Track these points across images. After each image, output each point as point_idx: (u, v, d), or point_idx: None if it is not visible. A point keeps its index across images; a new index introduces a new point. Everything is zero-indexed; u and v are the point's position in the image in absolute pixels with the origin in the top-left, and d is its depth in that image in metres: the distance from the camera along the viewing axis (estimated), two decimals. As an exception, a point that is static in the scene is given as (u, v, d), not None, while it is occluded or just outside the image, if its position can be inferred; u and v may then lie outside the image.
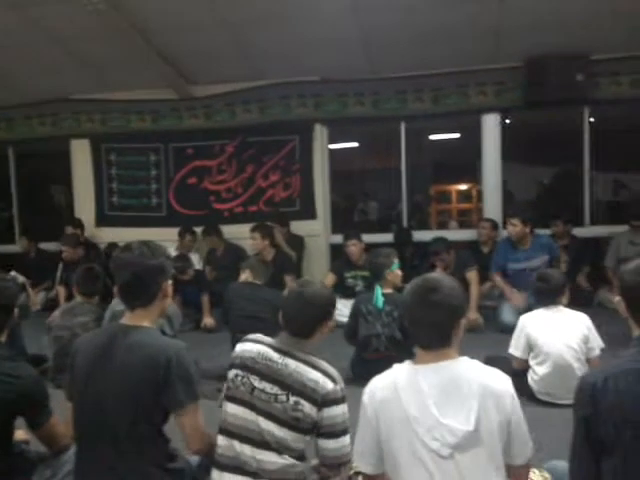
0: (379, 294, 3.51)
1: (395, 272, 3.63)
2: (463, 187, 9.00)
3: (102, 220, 6.63)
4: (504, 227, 5.90)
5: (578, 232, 5.80)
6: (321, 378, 1.86)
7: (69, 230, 6.25)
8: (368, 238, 5.89)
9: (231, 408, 1.90)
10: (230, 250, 5.96)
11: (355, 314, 3.57)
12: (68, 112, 6.64)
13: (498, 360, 3.38)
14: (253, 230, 5.51)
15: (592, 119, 5.92)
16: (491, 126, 5.98)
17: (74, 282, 3.87)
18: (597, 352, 3.05)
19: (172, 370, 1.78)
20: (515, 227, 4.78)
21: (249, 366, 1.91)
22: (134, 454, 1.78)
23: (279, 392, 1.85)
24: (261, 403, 1.86)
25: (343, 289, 5.19)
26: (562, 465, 1.83)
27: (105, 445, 1.79)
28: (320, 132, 6.20)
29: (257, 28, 5.10)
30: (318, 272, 5.88)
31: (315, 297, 1.97)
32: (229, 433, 1.89)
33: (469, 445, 1.54)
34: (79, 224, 6.38)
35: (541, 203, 7.73)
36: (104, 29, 5.00)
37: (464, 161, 6.53)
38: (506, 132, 6.05)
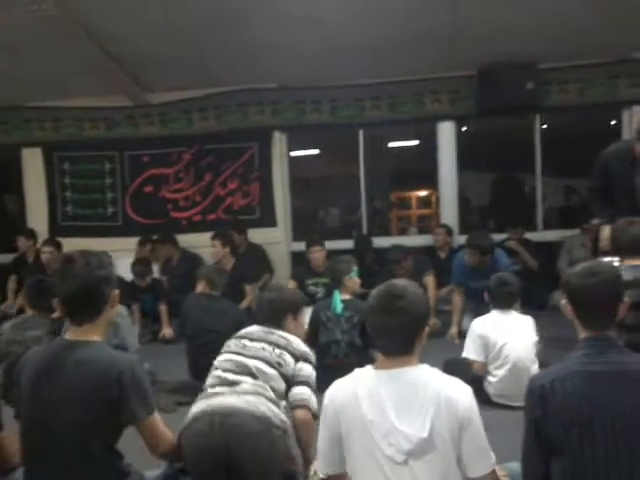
0: (338, 300, 3.53)
1: (354, 279, 3.66)
2: (423, 193, 9.14)
3: (56, 230, 6.44)
4: (461, 234, 6.03)
5: (531, 236, 5.96)
6: (297, 341, 2.36)
7: (22, 241, 6.05)
8: (329, 245, 5.90)
9: (222, 357, 2.28)
10: (186, 259, 5.89)
11: (314, 321, 3.57)
12: (19, 120, 6.45)
13: (457, 363, 3.43)
14: (214, 238, 5.49)
15: (545, 126, 6.11)
16: (447, 133, 6.10)
17: (23, 294, 3.73)
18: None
19: (125, 385, 1.74)
20: (473, 257, 4.62)
21: (241, 336, 2.37)
22: (85, 471, 1.73)
23: (266, 346, 2.27)
24: (250, 352, 2.25)
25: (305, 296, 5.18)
26: (516, 466, 1.86)
27: (55, 463, 1.74)
28: (279, 139, 6.20)
29: (213, 34, 5.07)
30: (279, 279, 5.85)
31: (284, 292, 2.57)
32: (217, 369, 2.23)
33: (423, 452, 1.56)
34: (32, 234, 6.19)
35: (495, 209, 7.92)
36: (55, 35, 4.88)
37: (423, 168, 6.65)
38: (462, 139, 6.17)
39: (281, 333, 2.36)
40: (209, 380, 2.23)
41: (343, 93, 5.99)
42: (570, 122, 6.45)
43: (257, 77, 5.85)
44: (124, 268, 5.21)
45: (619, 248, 3.14)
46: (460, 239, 5.87)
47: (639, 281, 3.04)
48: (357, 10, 4.67)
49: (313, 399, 2.24)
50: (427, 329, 1.72)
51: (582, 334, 1.72)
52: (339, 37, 5.08)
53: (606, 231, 3.51)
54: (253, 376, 2.16)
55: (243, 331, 2.42)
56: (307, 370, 2.29)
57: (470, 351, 3.29)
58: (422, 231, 8.36)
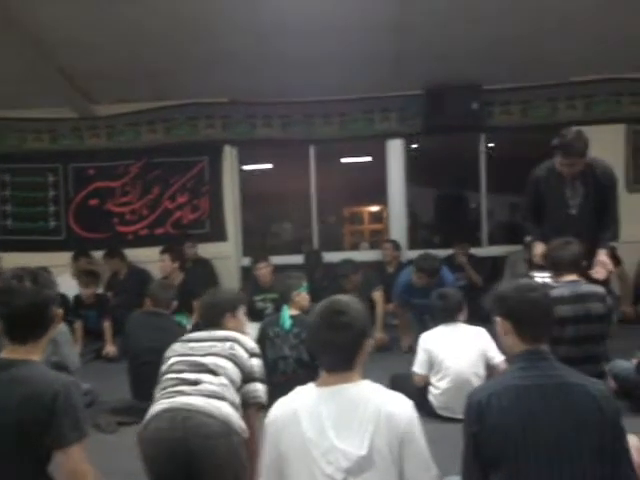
0: (286, 316, 3.51)
1: (303, 294, 3.65)
2: (375, 209, 9.23)
3: (-5, 245, 6.20)
4: (410, 249, 6.13)
5: (476, 252, 6.11)
6: (244, 337, 2.35)
7: None
8: (280, 260, 5.91)
9: (171, 361, 2.24)
10: (134, 274, 5.75)
11: (262, 337, 3.54)
12: (-41, 131, 6.20)
13: (403, 378, 3.48)
14: (163, 252, 5.38)
15: (491, 144, 6.30)
16: (396, 151, 6.22)
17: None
18: (499, 358, 3.17)
19: (58, 406, 1.66)
20: (421, 279, 4.60)
21: (185, 339, 2.36)
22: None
23: (215, 343, 2.26)
24: (201, 351, 2.23)
25: (252, 313, 5.12)
26: (457, 480, 1.88)
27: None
28: (230, 153, 6.17)
29: (163, 48, 5.02)
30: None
31: (219, 293, 2.65)
32: (170, 372, 2.20)
33: (362, 469, 1.54)
34: (-30, 249, 5.93)
35: (442, 224, 8.08)
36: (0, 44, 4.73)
37: (375, 183, 6.74)
38: (412, 156, 6.30)
39: (225, 332, 2.36)
40: (164, 383, 2.18)
41: (294, 109, 6.03)
42: (515, 141, 6.68)
43: (208, 91, 5.82)
44: (66, 284, 5.05)
45: (556, 265, 3.27)
46: (409, 254, 5.97)
47: (576, 296, 3.18)
48: (308, 28, 4.72)
49: (265, 396, 2.30)
50: (369, 343, 1.72)
51: (517, 348, 1.75)
52: (290, 53, 5.11)
53: (538, 248, 3.63)
54: (213, 373, 2.14)
55: (185, 337, 2.41)
56: (260, 366, 2.33)
57: (415, 364, 3.34)
58: (374, 246, 8.45)
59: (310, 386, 1.68)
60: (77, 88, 5.66)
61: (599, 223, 3.62)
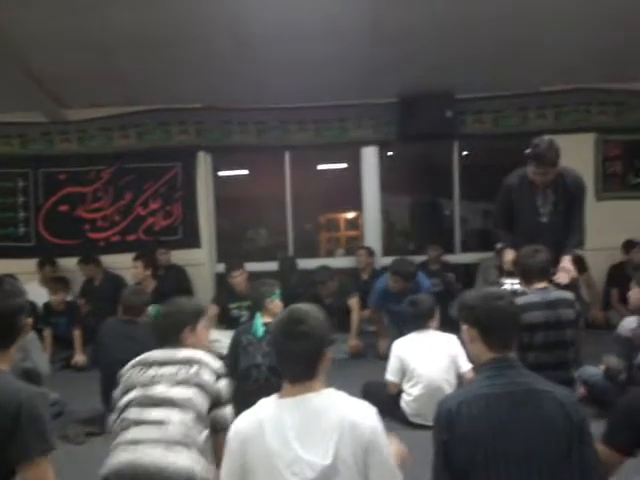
0: (259, 323, 3.49)
1: (276, 302, 3.62)
2: (351, 215, 9.25)
3: (-38, 251, 6.05)
4: (385, 255, 6.16)
5: (449, 259, 6.17)
6: (208, 357, 2.17)
7: None
8: (256, 266, 5.89)
9: (129, 396, 2.06)
10: (108, 280, 5.67)
11: (235, 346, 3.51)
12: None
13: (376, 385, 3.48)
14: (136, 259, 5.35)
15: (465, 152, 6.38)
16: (370, 158, 6.26)
17: None
18: (467, 367, 3.20)
19: (22, 418, 1.62)
20: (397, 283, 4.68)
21: (144, 362, 2.16)
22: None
23: (180, 367, 2.10)
24: (164, 379, 2.06)
25: (228, 320, 5.10)
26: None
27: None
28: (204, 159, 6.13)
29: (136, 52, 4.97)
30: (202, 302, 5.71)
31: (177, 305, 2.35)
32: (130, 407, 2.03)
33: (327, 479, 1.54)
34: None
35: (417, 231, 8.14)
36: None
37: (351, 190, 6.77)
38: (387, 163, 6.34)
39: (187, 352, 2.17)
40: (124, 422, 2.01)
41: (269, 115, 6.02)
42: (488, 149, 6.77)
43: (182, 96, 5.78)
44: (35, 291, 4.95)
45: (526, 273, 3.32)
46: (383, 261, 5.99)
47: (546, 303, 3.23)
48: (283, 34, 4.72)
49: (233, 417, 2.14)
50: (330, 352, 1.71)
51: (484, 356, 1.77)
52: (265, 60, 5.11)
53: (509, 254, 3.69)
54: (180, 408, 2.00)
55: (142, 359, 2.19)
56: (227, 387, 2.18)
57: (388, 371, 3.35)
58: (349, 253, 8.47)
59: (273, 397, 1.67)
60: (47, 92, 5.56)
61: (566, 230, 3.69)
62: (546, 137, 3.64)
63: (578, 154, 5.41)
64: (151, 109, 5.93)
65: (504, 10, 4.48)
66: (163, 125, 6.01)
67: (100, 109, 5.91)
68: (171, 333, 2.25)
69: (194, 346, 2.24)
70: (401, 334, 3.76)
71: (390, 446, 1.68)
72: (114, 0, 4.24)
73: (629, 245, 5.54)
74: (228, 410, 2.12)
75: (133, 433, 1.97)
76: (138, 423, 1.99)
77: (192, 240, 6.06)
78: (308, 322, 1.65)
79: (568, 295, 3.30)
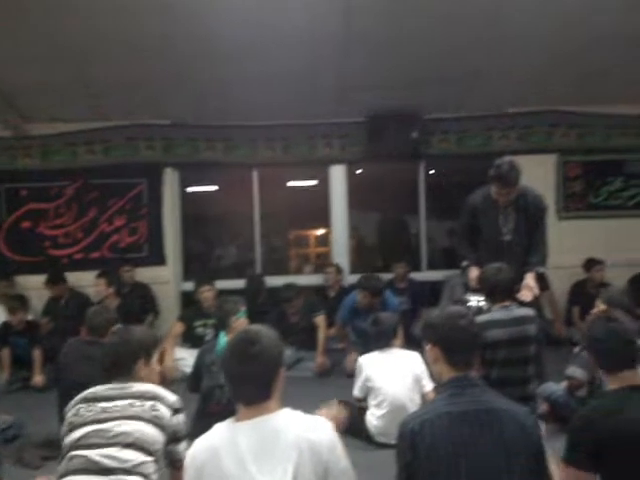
0: (223, 342, 3.44)
1: (241, 320, 3.58)
2: (320, 232, 9.26)
3: None
4: (352, 272, 6.18)
5: (416, 276, 6.22)
6: (164, 391, 2.04)
7: None
8: (224, 284, 5.84)
9: (77, 433, 1.90)
10: (74, 299, 5.53)
11: (198, 365, 3.46)
12: None
13: (344, 403, 3.46)
14: (98, 276, 5.25)
15: (432, 171, 6.47)
16: (338, 176, 6.30)
17: None
18: (430, 387, 3.22)
19: None
20: (365, 299, 4.75)
21: (91, 398, 2.00)
22: None
23: (133, 401, 1.95)
24: (117, 413, 1.92)
25: (193, 338, 5.03)
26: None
27: None
28: (171, 176, 6.08)
29: (101, 66, 4.90)
30: (166, 320, 5.65)
31: (129, 333, 2.17)
32: (81, 447, 1.87)
33: None
34: None
35: (384, 249, 8.20)
36: None
37: (320, 207, 6.81)
38: (356, 181, 6.38)
39: (139, 386, 2.02)
40: (68, 464, 1.85)
41: (237, 132, 6.02)
42: (454, 168, 6.88)
43: (149, 112, 5.74)
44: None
45: (490, 291, 3.37)
46: (351, 278, 6.01)
47: (510, 320, 3.27)
48: (251, 52, 4.73)
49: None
50: (283, 371, 1.69)
51: (446, 375, 1.78)
52: (234, 77, 5.11)
53: (474, 272, 3.75)
54: (133, 447, 1.85)
55: (89, 393, 2.02)
56: (183, 422, 2.05)
57: (355, 388, 3.36)
58: (318, 270, 8.47)
59: (228, 421, 1.65)
60: (10, 106, 5.45)
61: (528, 248, 3.77)
62: (507, 158, 3.73)
63: (540, 174, 5.55)
64: (118, 125, 5.87)
65: (470, 32, 4.59)
66: (130, 141, 5.94)
67: (65, 124, 5.82)
68: (123, 364, 2.08)
69: (147, 380, 2.10)
70: (368, 352, 3.77)
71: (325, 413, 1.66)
72: (81, 13, 4.19)
73: (590, 263, 5.67)
74: (184, 445, 1.97)
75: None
76: (82, 470, 1.84)
77: (158, 257, 5.98)
78: (260, 343, 1.63)
79: (530, 312, 3.36)
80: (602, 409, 1.86)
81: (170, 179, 6.08)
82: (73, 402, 2.04)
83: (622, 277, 5.56)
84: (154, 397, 1.99)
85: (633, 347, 1.96)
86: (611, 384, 1.96)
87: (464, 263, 4.02)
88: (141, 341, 2.15)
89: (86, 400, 2.00)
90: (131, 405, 1.94)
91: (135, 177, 5.96)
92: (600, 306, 3.17)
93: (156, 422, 1.93)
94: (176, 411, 2.01)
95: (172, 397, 2.03)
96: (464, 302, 3.72)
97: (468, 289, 3.84)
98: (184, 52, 4.74)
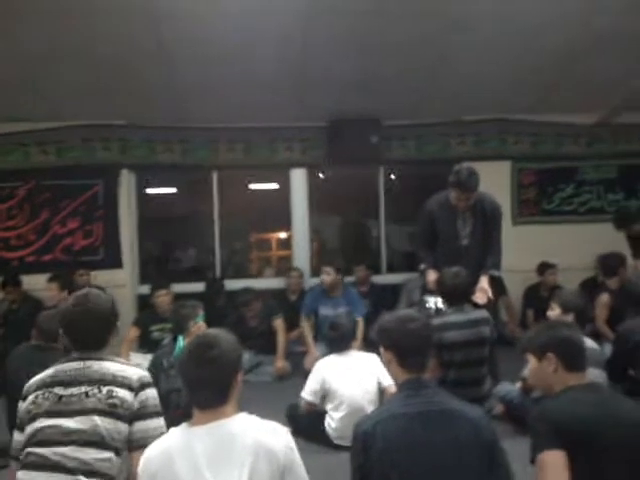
0: (181, 346, 3.40)
1: (199, 324, 3.55)
2: (283, 235, 9.23)
3: None
4: (313, 276, 6.19)
5: (376, 280, 6.27)
6: (128, 369, 1.92)
7: None
8: (181, 288, 5.75)
9: (36, 424, 1.84)
10: (28, 303, 5.34)
11: (155, 368, 3.39)
12: None
13: (299, 407, 3.46)
14: (50, 280, 5.09)
15: (392, 176, 6.54)
16: (299, 179, 6.30)
17: None
18: (389, 382, 3.21)
19: None
20: (329, 275, 5.05)
21: (49, 382, 1.92)
22: None
23: (88, 388, 1.85)
24: (70, 406, 1.84)
25: (149, 343, 4.93)
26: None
27: None
28: (127, 177, 5.96)
29: (55, 65, 4.77)
30: (122, 325, 5.51)
31: (98, 307, 2.01)
32: (38, 443, 1.81)
33: None
34: None
35: (346, 252, 8.25)
36: None
37: (282, 210, 6.80)
38: (318, 184, 6.39)
39: (100, 364, 1.91)
40: (26, 461, 1.80)
41: (196, 134, 5.95)
42: (413, 173, 6.98)
43: (105, 113, 5.61)
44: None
45: (447, 295, 3.43)
46: (312, 281, 6.01)
47: (465, 322, 3.34)
48: (211, 53, 4.70)
49: (160, 430, 1.91)
50: (241, 376, 1.68)
51: (400, 377, 1.80)
52: (192, 78, 5.05)
53: (432, 275, 3.82)
54: (92, 445, 1.78)
55: (50, 373, 1.94)
56: (154, 397, 1.92)
57: (305, 390, 3.35)
58: (280, 273, 8.44)
59: (183, 426, 1.62)
60: (-42, 104, 5.26)
61: (484, 252, 3.87)
62: (465, 164, 3.82)
63: (495, 181, 5.67)
64: (73, 125, 5.71)
65: (428, 40, 4.66)
66: (85, 141, 5.79)
67: (17, 123, 5.63)
68: (91, 336, 1.97)
69: (110, 351, 2.01)
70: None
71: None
72: (34, 12, 4.08)
73: (543, 267, 5.83)
74: (152, 424, 1.87)
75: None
76: (41, 469, 1.78)
77: (114, 260, 5.84)
78: (218, 347, 1.62)
79: (485, 314, 3.44)
80: (556, 403, 1.91)
81: (127, 181, 5.95)
82: (32, 385, 1.96)
83: (574, 280, 5.74)
84: (112, 381, 1.87)
85: (584, 351, 2.04)
86: (563, 385, 2.01)
87: (422, 266, 4.09)
88: (106, 306, 2.04)
89: (44, 385, 1.92)
90: (87, 395, 1.84)
91: (90, 178, 5.81)
92: (555, 309, 3.26)
93: (114, 411, 1.83)
94: (141, 387, 1.89)
95: (135, 374, 1.91)
96: (423, 304, 3.79)
97: (426, 291, 3.91)
98: (140, 53, 4.66)
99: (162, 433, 1.78)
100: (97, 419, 1.82)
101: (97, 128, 5.77)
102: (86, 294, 2.05)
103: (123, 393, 1.86)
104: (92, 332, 1.98)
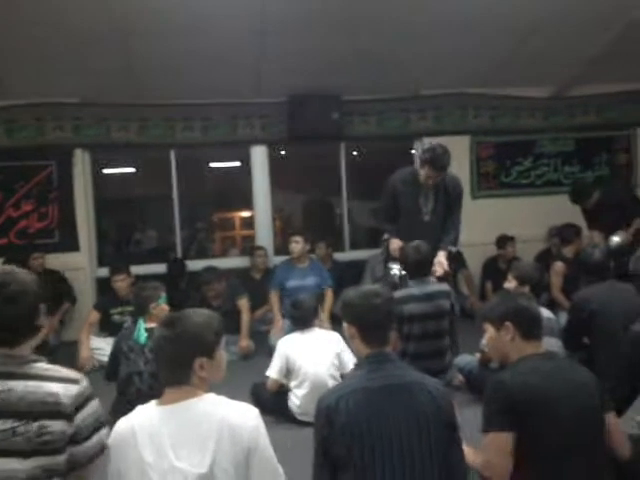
0: (142, 329, 3.35)
1: (161, 306, 3.50)
2: (246, 214, 9.16)
3: None
4: (277, 254, 6.17)
5: (339, 257, 6.29)
6: (61, 387, 1.55)
7: None
8: (142, 269, 5.66)
9: None
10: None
11: (115, 352, 3.35)
12: None
13: (263, 385, 3.48)
14: (3, 264, 4.89)
15: (355, 152, 6.51)
16: (260, 157, 6.22)
17: None
18: (350, 366, 3.27)
19: None
20: (297, 244, 5.12)
21: None
22: None
23: (16, 424, 1.50)
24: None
25: (110, 327, 4.85)
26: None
27: None
28: (81, 157, 5.78)
29: (2, 40, 4.56)
30: (82, 309, 5.42)
31: (18, 292, 1.57)
32: None
33: None
34: None
35: (310, 229, 8.25)
36: None
37: (245, 189, 6.73)
38: (280, 162, 6.32)
39: (26, 385, 1.53)
40: None
41: (152, 112, 5.79)
42: (375, 149, 6.98)
43: (57, 91, 5.40)
44: None
45: (408, 267, 3.47)
46: (276, 260, 5.99)
47: (425, 295, 3.39)
48: (168, 27, 4.55)
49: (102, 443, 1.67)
50: (218, 355, 1.68)
51: (363, 352, 1.82)
52: (148, 53, 4.89)
53: (395, 243, 3.88)
54: None
55: None
56: (94, 412, 1.62)
57: (270, 368, 3.37)
58: (245, 252, 8.40)
59: (151, 404, 1.61)
60: None
61: (443, 228, 3.94)
62: (437, 142, 3.90)
63: (455, 155, 5.59)
64: (23, 103, 5.50)
65: (386, 17, 4.62)
66: (36, 121, 5.59)
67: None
68: (7, 333, 1.57)
69: (30, 345, 1.63)
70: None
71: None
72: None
73: (502, 240, 5.94)
74: (90, 443, 1.59)
75: None
76: None
77: (70, 243, 5.69)
78: (180, 326, 1.62)
79: (444, 287, 3.50)
80: (512, 373, 1.97)
81: (81, 161, 5.77)
82: None
83: (531, 252, 5.88)
84: (41, 413, 1.52)
85: (540, 321, 2.09)
86: (519, 354, 2.06)
87: (385, 236, 4.13)
88: (30, 301, 1.61)
89: None
90: (14, 433, 1.50)
91: (43, 159, 5.61)
92: (511, 281, 3.33)
93: (46, 449, 1.52)
94: (76, 410, 1.57)
95: (68, 397, 1.55)
96: (387, 271, 3.86)
97: (390, 259, 3.96)
98: (93, 28, 4.48)
99: (103, 445, 1.61)
100: (26, 462, 1.50)
101: (49, 107, 5.57)
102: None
103: (59, 425, 1.53)
104: (5, 320, 1.56)
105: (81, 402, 1.59)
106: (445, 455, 1.68)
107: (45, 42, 4.62)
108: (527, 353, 2.03)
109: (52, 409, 1.53)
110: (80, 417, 1.57)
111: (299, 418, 3.25)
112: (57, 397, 1.53)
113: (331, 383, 3.17)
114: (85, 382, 1.63)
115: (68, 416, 1.55)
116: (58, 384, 1.57)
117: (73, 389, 1.58)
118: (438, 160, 3.77)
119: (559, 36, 5.01)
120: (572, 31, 4.94)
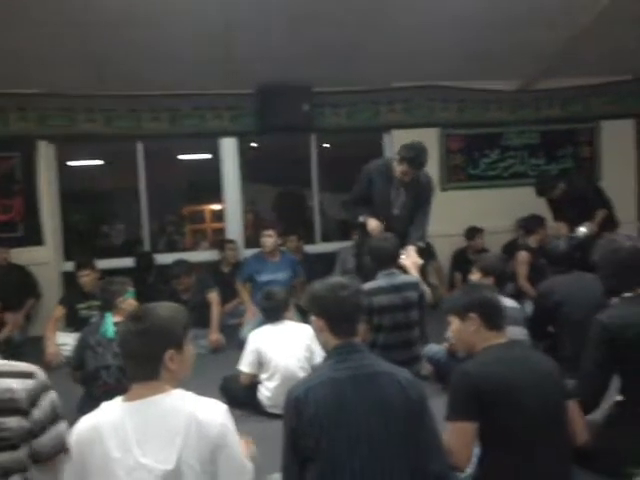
0: (109, 323, 3.31)
1: (129, 300, 3.46)
2: (217, 207, 9.07)
3: None
4: (247, 247, 6.13)
5: (310, 249, 6.29)
6: (14, 382, 1.54)
7: None
8: (109, 263, 5.57)
9: None
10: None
11: (81, 347, 3.30)
12: None
13: (235, 379, 3.47)
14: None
15: (327, 145, 6.49)
16: (230, 149, 6.16)
17: None
18: (319, 359, 3.29)
19: None
20: (270, 238, 5.14)
21: None
22: None
23: None
24: None
25: (76, 322, 4.76)
26: (279, 477, 1.89)
27: None
28: (45, 149, 5.64)
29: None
30: (48, 304, 5.31)
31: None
32: None
33: None
34: None
35: (281, 222, 8.22)
36: None
37: (215, 181, 6.67)
38: (251, 154, 6.26)
39: None
40: None
41: (118, 103, 5.68)
42: (346, 141, 6.97)
43: (20, 81, 5.26)
44: None
45: (376, 259, 3.50)
46: (246, 252, 5.96)
47: (393, 286, 3.41)
48: (134, 19, 4.46)
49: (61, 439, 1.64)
50: (186, 349, 1.66)
51: (331, 343, 1.83)
52: (115, 44, 4.79)
53: (373, 222, 3.91)
54: None
55: None
56: (51, 403, 1.61)
57: (242, 362, 3.36)
58: (215, 245, 8.33)
59: (117, 400, 1.59)
60: None
61: (411, 223, 3.99)
62: (417, 140, 3.90)
63: (424, 147, 5.75)
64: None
65: (357, 6, 4.61)
66: (-1, 112, 5.44)
67: None
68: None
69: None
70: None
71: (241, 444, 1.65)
72: None
73: (471, 232, 6.02)
74: (49, 435, 1.59)
75: None
76: None
77: (34, 237, 5.57)
78: (148, 319, 1.60)
79: (413, 279, 3.54)
80: (476, 363, 2.00)
81: (45, 153, 5.64)
82: None
83: (499, 243, 5.97)
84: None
85: (503, 311, 2.13)
86: (484, 344, 2.10)
87: (361, 218, 4.13)
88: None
89: None
90: None
91: (5, 151, 5.47)
92: (476, 273, 3.38)
93: (4, 445, 1.51)
94: (32, 404, 1.56)
95: (23, 390, 1.55)
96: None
97: (367, 234, 3.98)
98: (57, 16, 4.37)
99: (63, 437, 1.60)
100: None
101: (11, 97, 5.42)
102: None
103: (17, 421, 1.52)
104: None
105: (38, 395, 1.58)
106: (417, 444, 1.70)
107: (8, 33, 4.49)
108: (491, 343, 2.07)
109: (8, 405, 1.52)
110: (37, 410, 1.57)
111: (269, 410, 3.24)
112: (13, 393, 1.53)
113: (302, 375, 3.17)
114: (40, 374, 1.62)
115: (24, 411, 1.54)
116: (13, 379, 1.56)
117: (29, 383, 1.57)
118: (417, 158, 3.82)
119: (526, 30, 5.07)
120: (538, 25, 5.01)
